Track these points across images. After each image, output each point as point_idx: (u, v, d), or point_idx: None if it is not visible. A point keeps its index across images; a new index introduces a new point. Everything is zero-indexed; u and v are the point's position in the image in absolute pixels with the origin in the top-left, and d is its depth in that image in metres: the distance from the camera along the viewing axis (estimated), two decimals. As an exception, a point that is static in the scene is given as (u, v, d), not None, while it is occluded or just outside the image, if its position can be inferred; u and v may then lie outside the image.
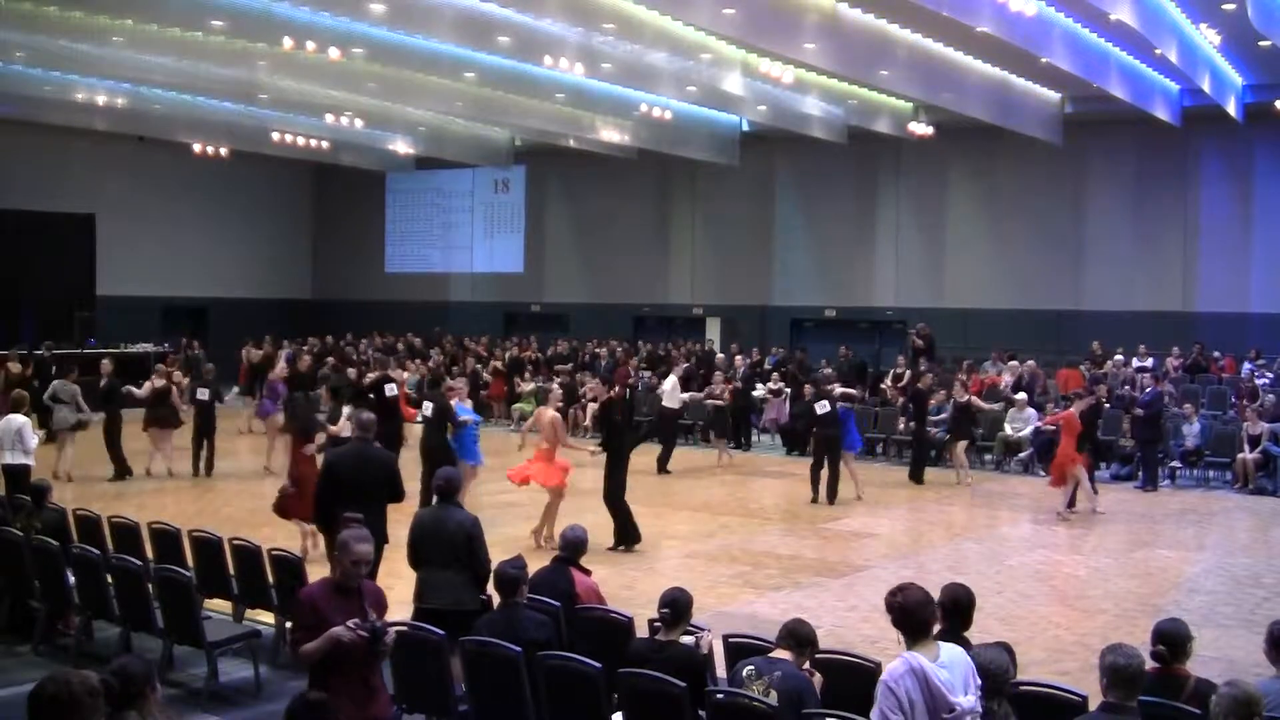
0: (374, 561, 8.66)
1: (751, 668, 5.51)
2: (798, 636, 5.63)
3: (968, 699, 4.65)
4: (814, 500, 15.78)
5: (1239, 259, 23.76)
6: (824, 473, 15.88)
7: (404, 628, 6.54)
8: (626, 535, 12.66)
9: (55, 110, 25.28)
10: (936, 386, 20.07)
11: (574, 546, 7.50)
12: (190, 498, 15.66)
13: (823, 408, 16.06)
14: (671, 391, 19.65)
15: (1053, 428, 16.37)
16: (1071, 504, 15.10)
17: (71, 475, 16.33)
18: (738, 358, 24.85)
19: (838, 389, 17.29)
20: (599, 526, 12.37)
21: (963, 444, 17.88)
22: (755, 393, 22.72)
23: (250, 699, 7.79)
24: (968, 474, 17.72)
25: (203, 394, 17.49)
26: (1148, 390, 18.14)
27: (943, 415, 18.92)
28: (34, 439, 12.64)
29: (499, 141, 31.04)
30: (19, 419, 12.49)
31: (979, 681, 4.76)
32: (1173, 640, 5.50)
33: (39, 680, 3.73)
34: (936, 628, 4.94)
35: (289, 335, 29.72)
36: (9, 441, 12.36)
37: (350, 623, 5.14)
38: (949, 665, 4.69)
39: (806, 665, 5.64)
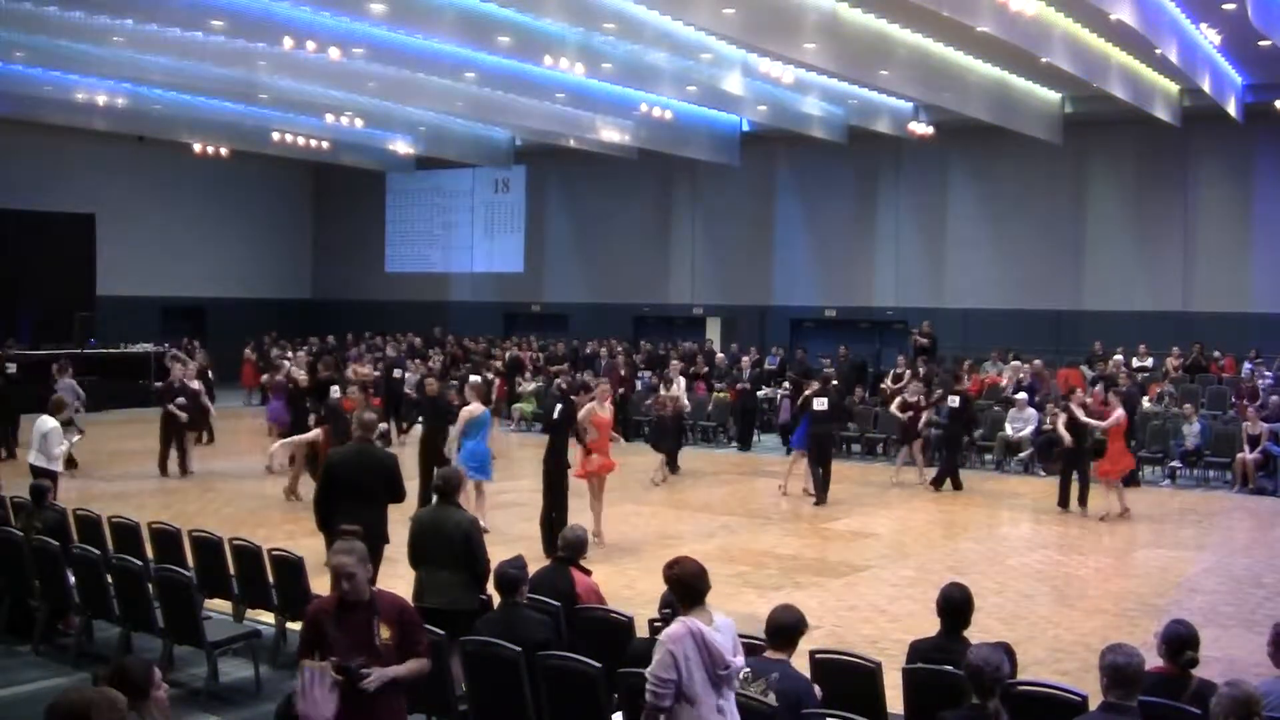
0: (375, 562, 8.72)
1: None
2: (785, 633, 5.59)
3: (738, 659, 5.12)
4: (816, 502, 15.80)
5: (1239, 259, 23.74)
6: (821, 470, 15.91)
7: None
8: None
9: (55, 110, 25.28)
10: (937, 386, 20.08)
11: (574, 546, 7.49)
12: (190, 498, 15.65)
13: (820, 404, 16.05)
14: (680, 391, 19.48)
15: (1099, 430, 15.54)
16: (1079, 501, 15.05)
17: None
18: (744, 359, 24.86)
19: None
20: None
21: (918, 442, 18.06)
22: (759, 393, 22.75)
23: (250, 699, 7.78)
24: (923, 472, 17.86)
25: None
26: (1125, 388, 18.16)
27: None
28: (60, 446, 12.53)
29: (499, 141, 31.05)
30: (50, 423, 12.42)
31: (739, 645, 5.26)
32: (1196, 643, 5.49)
33: (60, 692, 3.71)
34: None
35: (289, 335, 29.74)
36: (36, 442, 12.37)
37: (330, 660, 4.96)
38: (722, 629, 5.11)
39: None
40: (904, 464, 18.07)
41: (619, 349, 26.76)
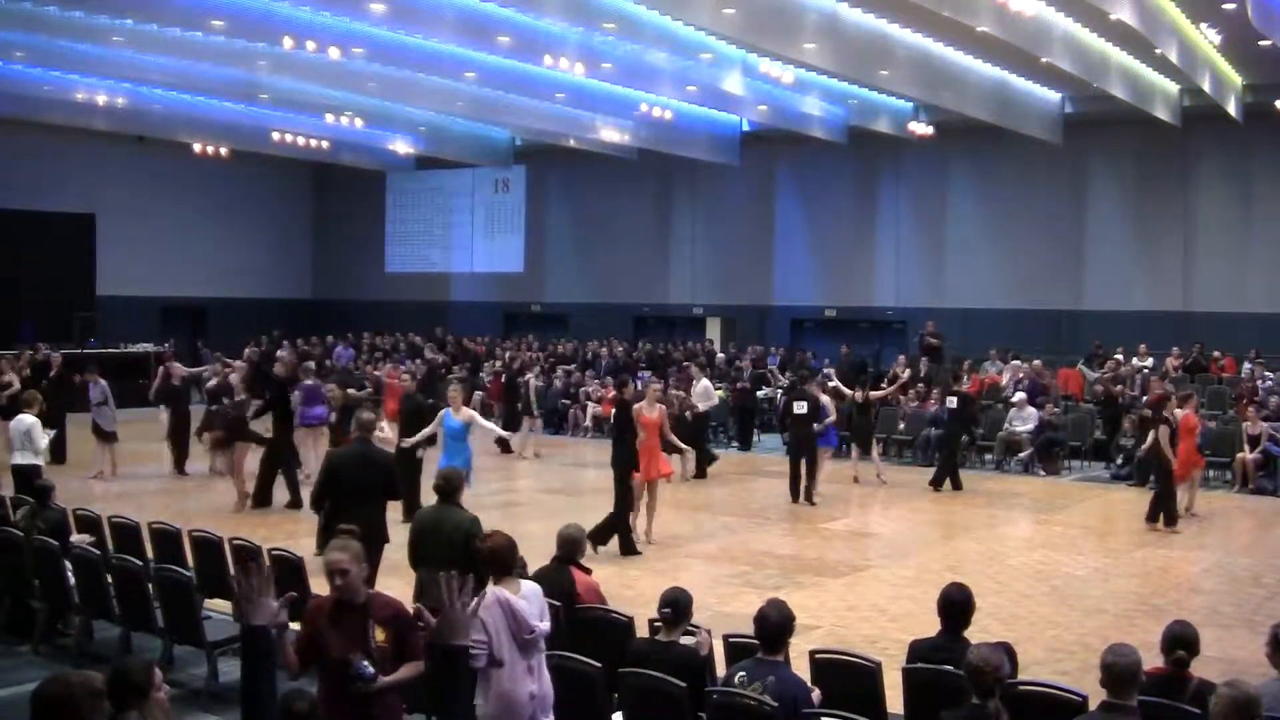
0: (374, 561, 8.72)
1: (743, 673, 5.49)
2: (775, 636, 5.55)
3: (544, 624, 5.59)
4: (794, 501, 15.71)
5: (1238, 259, 23.74)
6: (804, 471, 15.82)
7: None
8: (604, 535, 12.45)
9: (55, 110, 25.28)
10: (936, 386, 20.08)
11: (571, 544, 7.44)
12: (190, 498, 15.65)
13: (800, 408, 15.84)
14: (703, 393, 19.29)
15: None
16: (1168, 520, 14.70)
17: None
18: (746, 359, 24.79)
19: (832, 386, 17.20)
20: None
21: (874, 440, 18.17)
22: (759, 393, 22.72)
23: (250, 699, 7.76)
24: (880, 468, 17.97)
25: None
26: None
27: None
28: (44, 439, 12.52)
29: (499, 141, 31.06)
30: (28, 419, 12.37)
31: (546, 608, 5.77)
32: (1189, 643, 5.50)
33: (41, 681, 3.74)
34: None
35: (289, 335, 29.73)
36: (19, 441, 12.31)
37: (341, 659, 4.97)
38: (528, 597, 5.61)
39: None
40: (860, 460, 17.95)
41: (700, 352, 26.28)
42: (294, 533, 12.01)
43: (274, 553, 8.63)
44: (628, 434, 12.69)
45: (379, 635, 5.10)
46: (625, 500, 12.57)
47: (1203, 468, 15.73)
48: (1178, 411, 14.74)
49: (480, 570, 7.22)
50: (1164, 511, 14.18)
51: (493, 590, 5.53)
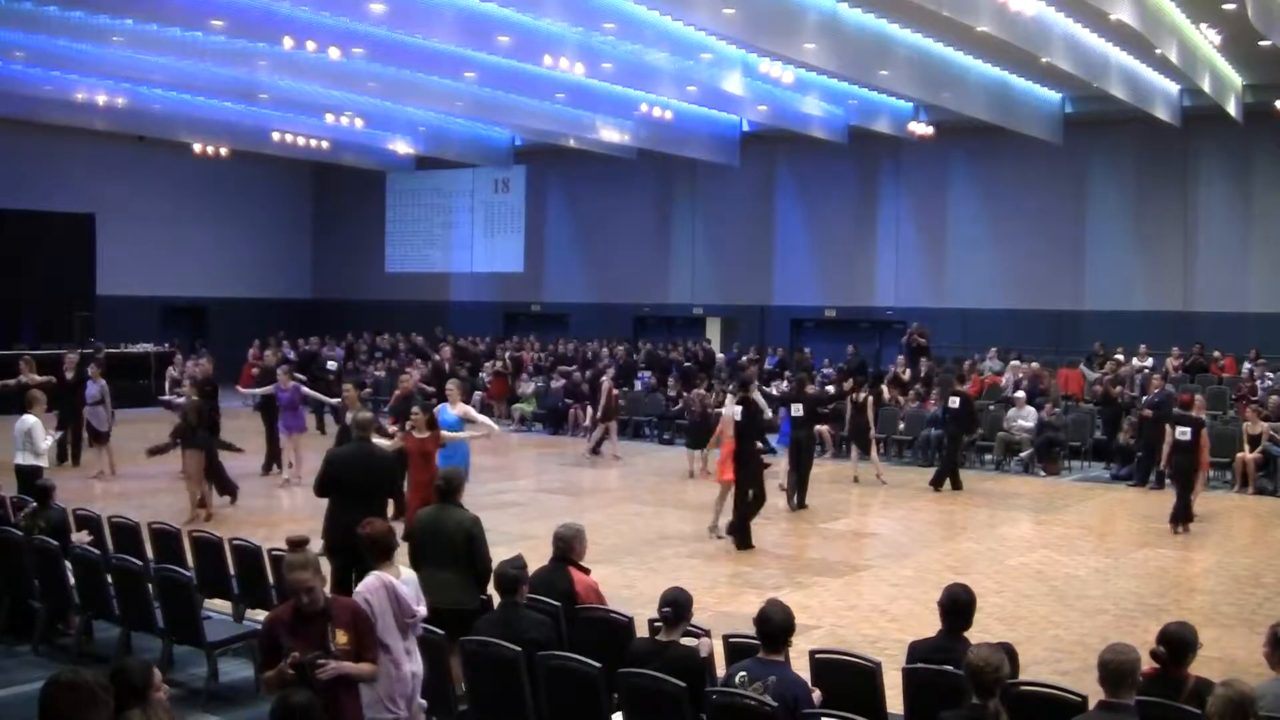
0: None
1: (744, 673, 5.49)
2: (777, 635, 5.56)
3: (421, 609, 6.05)
4: (797, 506, 15.56)
5: (1238, 259, 23.74)
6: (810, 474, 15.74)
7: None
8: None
9: (55, 110, 25.29)
10: (937, 385, 20.07)
11: (567, 544, 7.41)
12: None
13: (796, 410, 15.73)
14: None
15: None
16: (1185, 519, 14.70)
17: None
18: (746, 359, 24.77)
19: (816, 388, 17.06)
20: (599, 526, 12.41)
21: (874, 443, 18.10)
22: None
23: (250, 699, 7.77)
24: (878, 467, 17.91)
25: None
26: (1155, 391, 18.02)
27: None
28: (45, 440, 12.46)
29: (499, 141, 31.05)
30: (30, 419, 12.30)
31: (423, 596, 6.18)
32: (1175, 643, 5.47)
33: (50, 675, 3.77)
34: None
35: (290, 335, 29.74)
36: (20, 442, 12.27)
37: (290, 659, 5.02)
38: (408, 583, 6.02)
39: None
40: (860, 460, 17.93)
41: (700, 352, 26.23)
42: (290, 531, 11.99)
43: (274, 553, 8.63)
44: (755, 435, 13.02)
45: (340, 638, 5.16)
46: (758, 496, 12.91)
47: (1207, 471, 15.72)
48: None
49: (482, 569, 7.31)
50: (1178, 511, 14.09)
51: (377, 575, 5.85)
